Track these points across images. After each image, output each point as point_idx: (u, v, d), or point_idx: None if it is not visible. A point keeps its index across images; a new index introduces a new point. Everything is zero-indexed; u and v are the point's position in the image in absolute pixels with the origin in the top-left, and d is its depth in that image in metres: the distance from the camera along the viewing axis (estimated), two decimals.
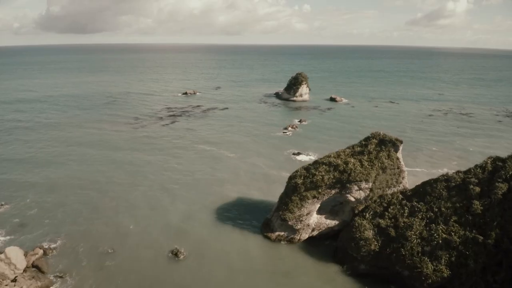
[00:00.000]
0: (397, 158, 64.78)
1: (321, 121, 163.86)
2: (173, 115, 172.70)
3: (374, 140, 67.45)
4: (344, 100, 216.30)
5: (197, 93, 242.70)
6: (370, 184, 62.92)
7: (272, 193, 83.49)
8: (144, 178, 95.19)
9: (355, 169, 62.43)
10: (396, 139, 66.13)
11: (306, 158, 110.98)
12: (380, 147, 65.81)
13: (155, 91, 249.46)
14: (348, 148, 69.76)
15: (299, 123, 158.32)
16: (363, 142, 68.90)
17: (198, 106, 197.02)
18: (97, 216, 74.83)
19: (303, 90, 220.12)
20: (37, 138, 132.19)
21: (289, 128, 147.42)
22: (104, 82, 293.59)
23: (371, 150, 65.54)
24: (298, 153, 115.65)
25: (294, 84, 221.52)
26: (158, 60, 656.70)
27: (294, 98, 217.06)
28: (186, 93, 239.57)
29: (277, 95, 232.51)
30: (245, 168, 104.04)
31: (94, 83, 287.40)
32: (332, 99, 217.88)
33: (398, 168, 64.55)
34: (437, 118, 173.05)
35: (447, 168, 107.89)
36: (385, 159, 64.00)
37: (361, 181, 62.36)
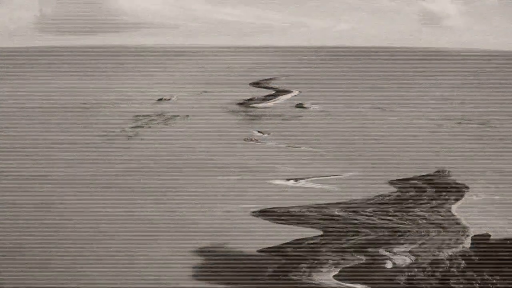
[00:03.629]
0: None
1: (287, 133, 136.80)
2: (136, 126, 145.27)
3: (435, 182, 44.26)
4: (315, 107, 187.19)
5: (173, 99, 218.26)
6: (415, 246, 38.11)
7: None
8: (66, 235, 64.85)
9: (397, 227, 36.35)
10: (460, 184, 43.78)
11: (278, 182, 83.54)
12: (438, 193, 41.57)
13: (128, 98, 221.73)
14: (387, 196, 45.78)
15: (260, 134, 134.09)
16: (408, 184, 46.18)
17: (162, 114, 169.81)
18: None
19: (278, 95, 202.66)
20: None
21: (251, 141, 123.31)
22: (81, 89, 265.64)
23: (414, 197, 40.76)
24: (264, 179, 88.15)
25: (265, 88, 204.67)
26: (155, 61, 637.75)
27: (260, 105, 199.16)
28: (162, 99, 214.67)
29: (248, 101, 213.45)
30: (192, 210, 72.56)
31: (68, 90, 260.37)
32: (299, 105, 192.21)
33: (457, 223, 39.90)
34: (445, 130, 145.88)
35: (482, 194, 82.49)
36: (438, 209, 38.92)
37: (400, 243, 37.18)
